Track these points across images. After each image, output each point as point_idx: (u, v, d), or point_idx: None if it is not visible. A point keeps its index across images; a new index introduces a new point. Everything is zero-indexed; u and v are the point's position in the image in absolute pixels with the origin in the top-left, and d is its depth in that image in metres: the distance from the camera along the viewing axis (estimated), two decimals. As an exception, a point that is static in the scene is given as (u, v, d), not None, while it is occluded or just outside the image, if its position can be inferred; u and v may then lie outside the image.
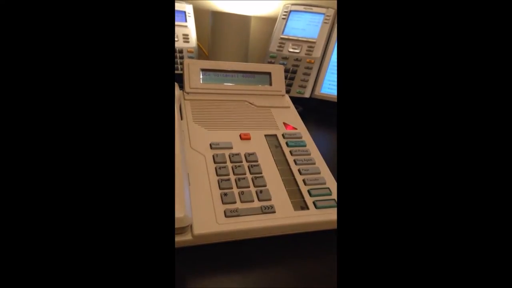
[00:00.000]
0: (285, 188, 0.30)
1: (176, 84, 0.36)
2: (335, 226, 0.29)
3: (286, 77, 0.68)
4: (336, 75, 0.65)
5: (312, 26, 0.71)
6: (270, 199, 0.29)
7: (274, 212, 0.28)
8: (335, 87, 0.65)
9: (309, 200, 0.29)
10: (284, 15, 0.74)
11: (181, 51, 0.73)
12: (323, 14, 0.71)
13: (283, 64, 0.69)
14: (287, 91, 0.66)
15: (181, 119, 0.35)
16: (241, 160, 0.32)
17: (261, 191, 0.29)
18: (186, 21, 0.77)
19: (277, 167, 0.32)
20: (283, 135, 0.36)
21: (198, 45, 0.78)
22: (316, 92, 0.65)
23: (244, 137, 0.34)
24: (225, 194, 0.28)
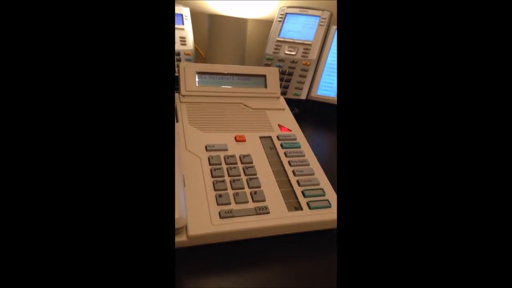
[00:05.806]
0: (279, 189, 0.30)
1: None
2: (329, 226, 0.29)
3: (282, 79, 0.68)
4: (331, 77, 0.66)
5: (308, 29, 0.71)
6: (264, 200, 0.29)
7: (268, 213, 0.28)
8: (331, 89, 0.65)
9: (303, 201, 0.30)
10: (280, 17, 0.75)
11: (178, 54, 0.74)
12: (319, 16, 0.71)
13: (279, 66, 0.69)
14: (284, 93, 0.66)
15: (177, 121, 0.35)
16: (236, 162, 0.32)
17: (255, 192, 0.29)
18: (183, 24, 0.77)
19: (271, 168, 0.32)
20: (277, 136, 0.36)
21: (195, 47, 0.79)
22: (312, 94, 0.66)
23: (239, 139, 0.35)
24: (220, 196, 0.28)
